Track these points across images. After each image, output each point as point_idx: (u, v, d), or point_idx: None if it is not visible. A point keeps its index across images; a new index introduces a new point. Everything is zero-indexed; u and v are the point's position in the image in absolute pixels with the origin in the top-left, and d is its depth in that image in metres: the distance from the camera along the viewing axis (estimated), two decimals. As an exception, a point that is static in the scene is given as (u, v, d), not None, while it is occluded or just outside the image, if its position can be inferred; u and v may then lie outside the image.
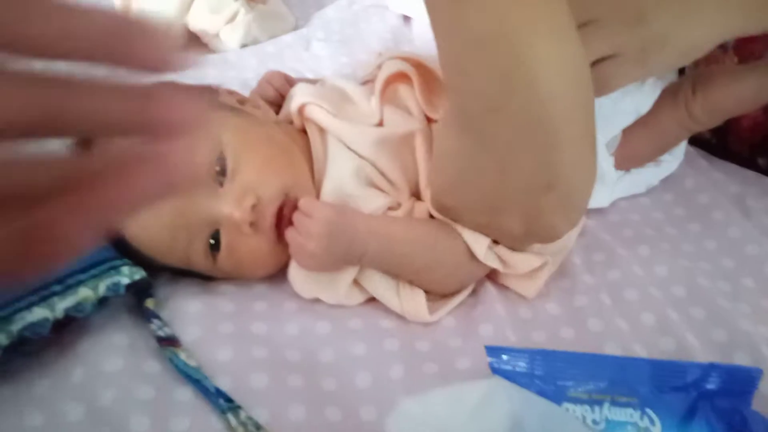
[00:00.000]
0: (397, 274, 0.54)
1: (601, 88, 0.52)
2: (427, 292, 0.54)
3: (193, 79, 0.75)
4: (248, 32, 0.90)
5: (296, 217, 0.52)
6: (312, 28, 0.96)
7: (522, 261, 0.53)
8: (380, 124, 0.58)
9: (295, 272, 0.54)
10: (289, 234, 0.52)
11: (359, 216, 0.53)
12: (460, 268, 0.54)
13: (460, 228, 0.52)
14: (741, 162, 0.71)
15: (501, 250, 0.53)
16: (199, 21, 0.89)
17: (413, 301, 0.53)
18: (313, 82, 0.66)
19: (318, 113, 0.58)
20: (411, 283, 0.54)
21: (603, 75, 0.52)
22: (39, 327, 0.47)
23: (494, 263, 0.53)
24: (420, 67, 0.58)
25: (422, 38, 0.94)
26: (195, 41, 0.91)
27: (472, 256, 0.53)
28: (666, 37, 0.52)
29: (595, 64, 0.52)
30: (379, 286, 0.54)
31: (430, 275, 0.53)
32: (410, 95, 0.58)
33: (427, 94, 0.58)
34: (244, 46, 0.90)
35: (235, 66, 0.86)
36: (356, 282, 0.54)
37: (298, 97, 0.59)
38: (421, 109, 0.58)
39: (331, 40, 0.93)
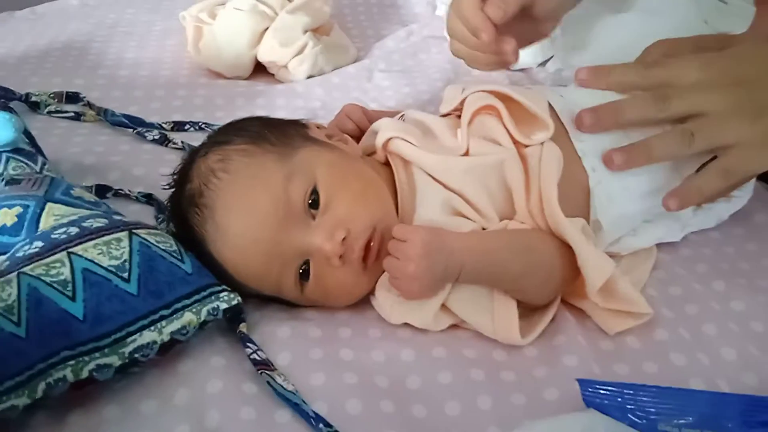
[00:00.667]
0: (496, 283, 0.55)
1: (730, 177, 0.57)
2: (522, 303, 0.55)
3: (264, 109, 0.79)
4: (315, 63, 0.93)
5: (392, 244, 0.54)
6: (373, 59, 0.99)
7: (625, 297, 0.55)
8: (466, 154, 0.60)
9: (383, 298, 0.56)
10: (387, 262, 0.54)
11: (452, 234, 0.55)
12: (556, 271, 0.56)
13: (585, 254, 0.55)
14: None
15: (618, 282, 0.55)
16: (268, 53, 0.92)
17: (507, 321, 0.54)
18: (392, 115, 0.68)
19: (404, 147, 0.60)
20: (508, 293, 0.55)
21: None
22: (148, 350, 0.50)
23: (596, 297, 0.55)
24: (506, 99, 0.60)
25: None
26: (263, 72, 0.94)
27: (565, 259, 0.55)
28: None
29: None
30: (471, 308, 0.55)
31: (528, 281, 0.55)
32: (497, 126, 0.60)
33: (516, 124, 0.60)
34: (310, 76, 0.93)
35: (303, 95, 0.89)
36: (444, 307, 0.55)
37: (383, 131, 0.61)
38: (509, 139, 0.59)
39: (392, 70, 0.96)
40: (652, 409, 0.46)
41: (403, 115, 0.66)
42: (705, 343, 0.56)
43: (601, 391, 0.47)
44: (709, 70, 0.58)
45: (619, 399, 0.47)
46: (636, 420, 0.46)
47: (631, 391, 0.47)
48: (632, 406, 0.47)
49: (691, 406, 0.47)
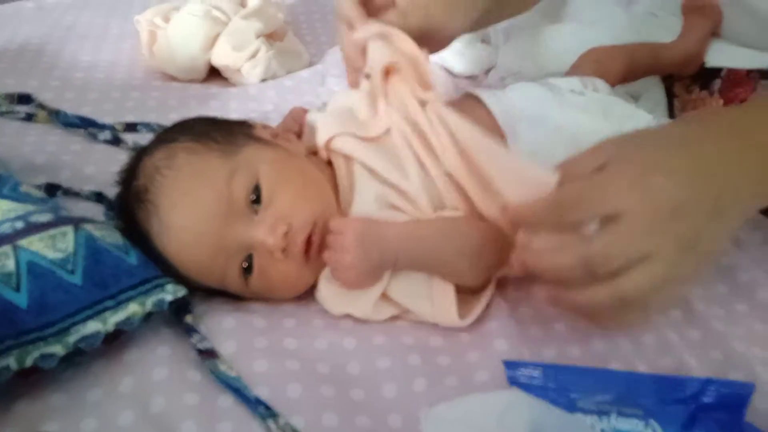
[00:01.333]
0: (431, 268, 0.57)
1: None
2: (459, 287, 0.58)
3: (218, 111, 0.81)
4: (268, 68, 0.95)
5: (329, 237, 0.57)
6: (326, 64, 1.01)
7: None
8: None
9: (325, 290, 0.59)
10: (326, 254, 0.57)
11: (386, 223, 0.58)
12: (487, 253, 0.58)
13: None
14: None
15: None
16: (222, 57, 0.94)
17: (445, 304, 0.57)
18: (320, 109, 0.71)
19: (345, 145, 0.62)
20: (444, 278, 0.57)
21: None
22: (92, 339, 0.51)
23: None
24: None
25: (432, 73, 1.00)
26: (217, 75, 0.96)
27: (496, 242, 0.57)
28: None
29: None
30: (410, 295, 0.58)
31: (461, 263, 0.57)
32: (404, 90, 0.62)
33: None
34: (263, 80, 0.95)
35: (256, 99, 0.91)
36: (385, 297, 0.58)
37: (321, 131, 0.63)
38: (415, 103, 0.61)
39: (344, 76, 0.98)
40: (572, 388, 0.50)
41: (326, 103, 0.69)
42: (628, 329, 0.59)
43: (525, 372, 0.50)
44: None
45: (542, 379, 0.50)
46: (557, 397, 0.49)
47: (553, 372, 0.50)
48: (553, 385, 0.50)
49: (609, 385, 0.50)
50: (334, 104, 0.68)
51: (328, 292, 0.59)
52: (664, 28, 0.87)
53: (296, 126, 0.71)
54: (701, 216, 0.47)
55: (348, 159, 0.63)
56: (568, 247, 0.48)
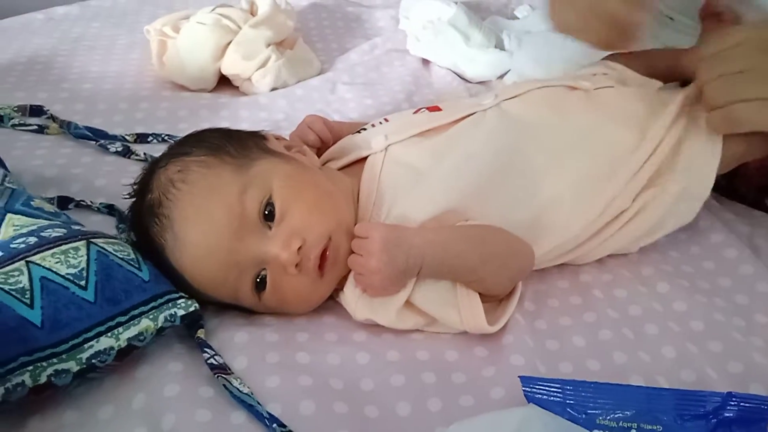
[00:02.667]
0: (456, 275, 0.57)
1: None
2: (484, 296, 0.57)
3: (228, 120, 0.81)
4: (278, 76, 0.95)
5: (355, 242, 0.57)
6: (337, 72, 1.01)
7: None
8: None
9: (350, 293, 0.58)
10: (351, 259, 0.56)
11: (410, 229, 0.58)
12: (510, 259, 0.59)
13: None
14: (748, 203, 0.75)
15: None
16: (232, 66, 0.94)
17: (472, 311, 0.56)
18: (354, 127, 0.71)
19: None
20: (469, 285, 0.57)
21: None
22: (105, 355, 0.51)
23: None
24: None
25: (441, 81, 1.00)
26: (227, 84, 0.96)
27: (520, 249, 0.58)
28: None
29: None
30: (436, 302, 0.57)
31: (485, 270, 0.57)
32: None
33: None
34: (274, 89, 0.95)
35: (266, 108, 0.91)
36: (409, 305, 0.57)
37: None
38: None
39: (355, 83, 0.98)
40: (591, 404, 0.49)
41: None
42: (646, 342, 0.58)
43: (542, 388, 0.49)
44: None
45: (560, 395, 0.49)
46: (575, 414, 0.48)
47: (571, 387, 0.49)
48: (572, 402, 0.49)
49: (628, 401, 0.49)
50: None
51: (352, 295, 0.58)
52: (681, 32, 0.86)
53: (311, 134, 0.71)
54: None
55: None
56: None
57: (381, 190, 0.61)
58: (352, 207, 0.62)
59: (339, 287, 0.60)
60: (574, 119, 0.66)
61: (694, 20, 0.84)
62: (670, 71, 0.80)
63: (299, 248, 0.56)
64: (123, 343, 0.51)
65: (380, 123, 0.69)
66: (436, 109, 0.69)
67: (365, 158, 0.65)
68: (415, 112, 0.70)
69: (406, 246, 0.55)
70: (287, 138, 0.69)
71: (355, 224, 0.59)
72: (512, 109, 0.67)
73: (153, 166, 0.62)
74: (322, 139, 0.70)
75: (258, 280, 0.57)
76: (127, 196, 0.63)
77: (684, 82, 0.72)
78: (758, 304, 0.63)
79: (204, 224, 0.56)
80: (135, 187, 0.62)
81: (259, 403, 0.51)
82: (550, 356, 0.57)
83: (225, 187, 0.57)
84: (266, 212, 0.57)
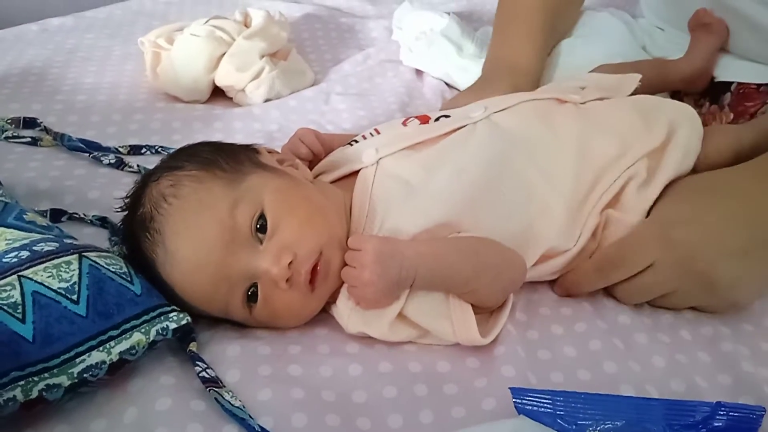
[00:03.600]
0: (449, 286, 0.57)
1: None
2: (476, 307, 0.58)
3: (222, 131, 0.81)
4: (272, 87, 0.95)
5: (348, 254, 0.57)
6: (330, 82, 1.01)
7: None
8: None
9: (343, 306, 0.58)
10: (345, 271, 0.57)
11: (403, 241, 0.58)
12: (503, 271, 0.59)
13: None
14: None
15: None
16: (225, 77, 0.94)
17: (464, 323, 0.57)
18: (345, 139, 0.71)
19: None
20: (462, 297, 0.57)
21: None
22: (97, 369, 0.51)
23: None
24: None
25: (434, 91, 1.00)
26: (221, 96, 0.96)
27: (511, 259, 0.59)
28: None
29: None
30: (428, 315, 0.57)
31: (479, 281, 0.57)
32: None
33: None
34: (267, 100, 0.95)
35: (260, 119, 0.92)
36: (402, 318, 0.57)
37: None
38: None
39: (348, 93, 0.99)
40: (581, 415, 0.49)
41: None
42: (636, 351, 0.59)
43: (533, 399, 0.49)
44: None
45: (550, 406, 0.49)
46: (565, 425, 0.48)
47: (561, 399, 0.49)
48: (562, 413, 0.49)
49: (618, 412, 0.50)
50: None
51: (345, 308, 0.58)
52: (671, 43, 0.86)
53: (303, 148, 0.71)
54: (723, 257, 0.59)
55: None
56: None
57: (373, 204, 0.62)
58: (345, 221, 0.62)
59: (331, 300, 0.60)
60: (563, 132, 0.66)
61: (683, 31, 0.85)
62: (659, 83, 0.81)
63: (290, 263, 0.56)
64: (115, 357, 0.52)
65: (371, 135, 0.69)
66: (426, 118, 0.70)
67: (357, 171, 0.65)
68: (404, 122, 0.70)
69: (399, 258, 0.56)
70: (279, 151, 0.69)
71: (348, 238, 0.59)
72: (502, 122, 0.67)
73: (145, 180, 0.62)
74: (314, 152, 0.70)
75: (249, 294, 0.58)
76: (120, 210, 0.63)
77: (672, 93, 0.72)
78: (745, 315, 0.63)
79: (195, 239, 0.56)
80: (127, 200, 0.63)
81: (251, 416, 0.51)
82: (542, 366, 0.57)
83: (216, 201, 0.57)
84: (258, 226, 0.57)
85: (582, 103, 0.70)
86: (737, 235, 0.60)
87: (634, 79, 0.74)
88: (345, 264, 0.57)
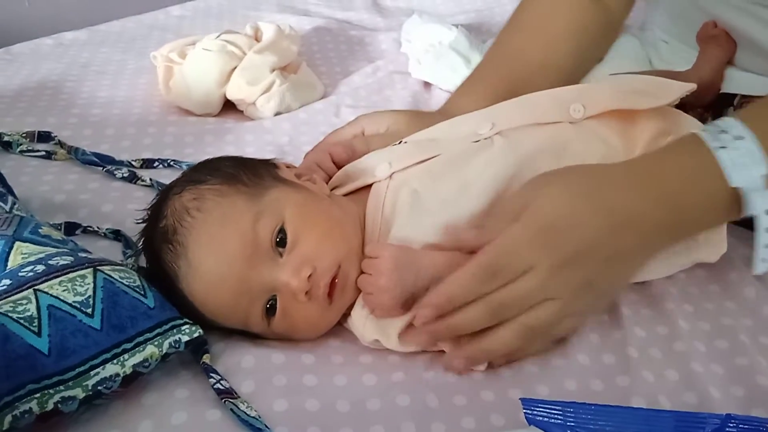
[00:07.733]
0: None
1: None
2: None
3: (234, 145, 0.82)
4: (282, 101, 0.96)
5: (365, 262, 0.58)
6: (340, 95, 1.02)
7: None
8: None
9: (357, 315, 0.59)
10: (361, 279, 0.58)
11: (419, 251, 0.58)
12: None
13: None
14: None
15: None
16: (237, 91, 0.95)
17: None
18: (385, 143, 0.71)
19: None
20: None
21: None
22: (111, 382, 0.51)
23: None
24: None
25: (441, 103, 1.01)
26: (233, 109, 0.97)
27: None
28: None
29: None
30: None
31: None
32: None
33: None
34: (278, 113, 0.96)
35: (271, 131, 0.92)
36: (413, 328, 0.57)
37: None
38: None
39: (358, 106, 0.99)
40: (592, 426, 0.49)
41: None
42: (650, 362, 0.59)
43: (543, 410, 0.49)
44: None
45: (561, 417, 0.49)
46: (577, 437, 0.49)
47: (572, 410, 0.49)
48: (573, 424, 0.49)
49: (629, 423, 0.49)
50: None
51: (360, 317, 0.59)
52: (676, 56, 0.87)
53: (328, 162, 0.70)
54: (597, 262, 0.56)
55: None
56: (477, 302, 0.55)
57: (386, 217, 0.62)
58: (360, 234, 0.63)
59: (347, 313, 0.61)
60: (569, 147, 0.67)
61: (688, 45, 0.85)
62: None
63: (309, 276, 0.57)
64: (128, 370, 0.52)
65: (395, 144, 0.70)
66: None
67: (370, 184, 0.66)
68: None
69: (415, 266, 0.57)
70: (296, 166, 0.70)
71: (362, 251, 0.60)
72: (509, 137, 0.67)
73: (167, 193, 0.62)
74: (340, 168, 0.70)
75: (268, 306, 0.58)
76: (139, 221, 0.64)
77: (677, 105, 0.72)
78: (761, 326, 0.63)
79: (218, 252, 0.57)
80: (148, 212, 0.63)
81: (267, 426, 0.51)
82: (555, 375, 0.57)
83: (239, 215, 0.58)
84: (278, 240, 0.58)
85: (585, 118, 0.70)
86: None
87: (684, 88, 0.70)
88: (362, 272, 0.58)
